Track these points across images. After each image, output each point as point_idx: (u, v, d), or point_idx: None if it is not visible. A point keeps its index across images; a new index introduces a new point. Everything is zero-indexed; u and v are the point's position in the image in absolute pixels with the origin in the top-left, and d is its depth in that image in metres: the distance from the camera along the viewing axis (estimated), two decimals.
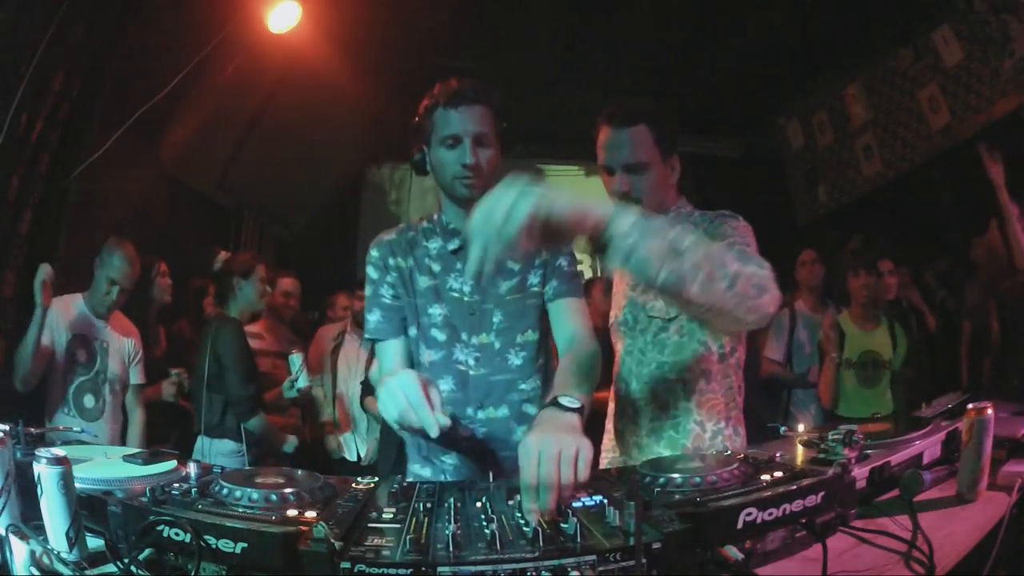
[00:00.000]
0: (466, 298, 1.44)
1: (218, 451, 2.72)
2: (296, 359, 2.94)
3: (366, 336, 1.49)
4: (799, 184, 4.92)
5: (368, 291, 1.48)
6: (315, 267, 4.45)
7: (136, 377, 2.69)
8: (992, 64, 3.34)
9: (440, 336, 1.43)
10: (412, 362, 1.46)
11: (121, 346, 2.63)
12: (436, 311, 1.44)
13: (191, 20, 3.00)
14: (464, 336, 1.43)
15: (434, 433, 1.02)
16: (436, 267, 1.46)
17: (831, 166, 4.61)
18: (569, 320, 1.43)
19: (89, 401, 2.51)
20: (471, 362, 1.42)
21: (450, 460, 1.46)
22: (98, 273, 2.51)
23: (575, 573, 0.74)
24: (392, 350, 1.44)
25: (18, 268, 2.57)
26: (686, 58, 4.22)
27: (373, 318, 1.46)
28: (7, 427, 1.06)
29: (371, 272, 1.48)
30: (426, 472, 1.49)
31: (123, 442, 2.60)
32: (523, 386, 1.44)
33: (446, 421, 1.04)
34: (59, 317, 2.46)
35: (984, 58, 3.38)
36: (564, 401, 1.03)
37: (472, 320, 1.43)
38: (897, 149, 4.04)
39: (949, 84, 3.61)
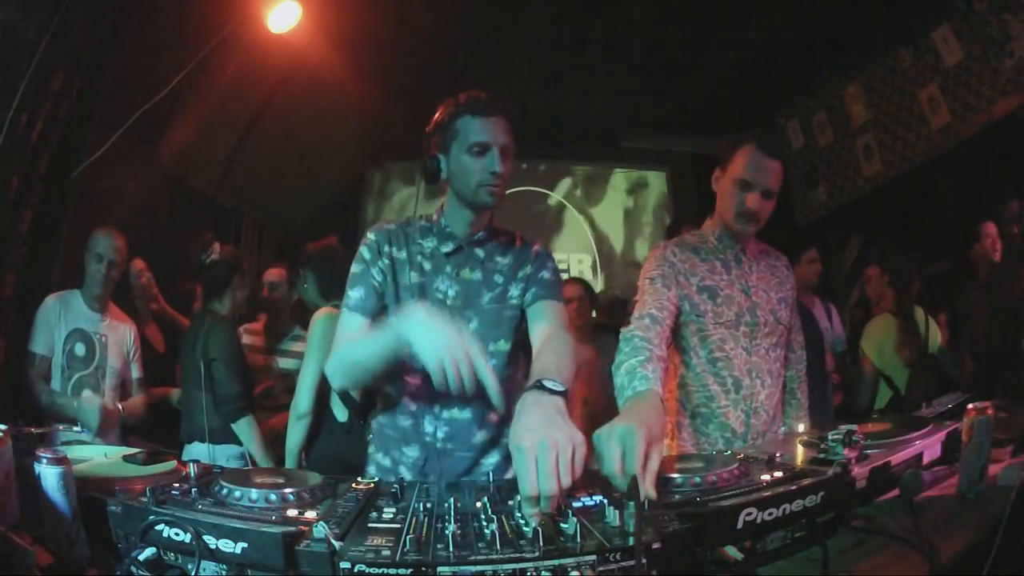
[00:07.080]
0: (449, 301, 1.46)
1: (226, 456, 2.64)
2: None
3: (346, 309, 1.46)
4: (799, 184, 4.92)
5: (357, 269, 1.48)
6: None
7: (137, 371, 2.71)
8: (992, 64, 3.34)
9: None
10: None
11: (120, 339, 2.63)
12: None
13: (191, 20, 2.99)
14: None
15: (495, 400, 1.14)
16: (427, 265, 1.48)
17: (831, 166, 4.61)
18: (545, 318, 1.44)
19: None
20: None
21: (411, 453, 1.48)
22: (88, 258, 2.55)
23: (575, 573, 0.74)
24: (360, 323, 1.42)
25: (18, 268, 2.56)
26: (686, 58, 4.21)
27: (356, 294, 1.45)
28: (7, 427, 1.06)
29: (364, 252, 1.49)
30: (386, 462, 1.52)
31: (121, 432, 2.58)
32: None
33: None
34: (58, 312, 2.47)
35: (984, 58, 3.38)
36: (548, 384, 1.02)
37: None
38: (897, 149, 4.03)
39: (949, 84, 3.61)
